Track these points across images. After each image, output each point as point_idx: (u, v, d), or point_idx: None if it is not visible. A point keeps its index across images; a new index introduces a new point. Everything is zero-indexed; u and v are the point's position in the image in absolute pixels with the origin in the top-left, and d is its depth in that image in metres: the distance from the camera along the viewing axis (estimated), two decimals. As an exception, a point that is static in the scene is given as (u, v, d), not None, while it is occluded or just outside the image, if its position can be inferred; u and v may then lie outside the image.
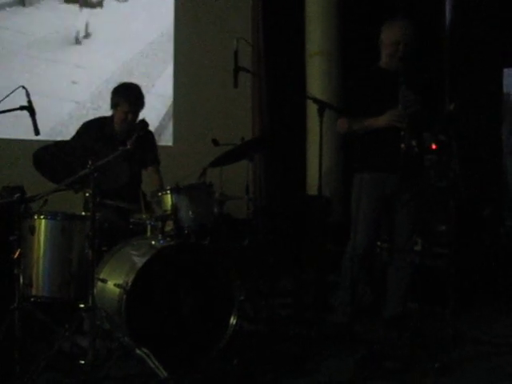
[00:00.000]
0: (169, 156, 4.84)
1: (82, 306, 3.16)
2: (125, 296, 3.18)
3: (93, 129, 4.18)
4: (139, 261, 3.28)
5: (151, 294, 3.28)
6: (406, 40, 3.94)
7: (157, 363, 3.06)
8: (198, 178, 4.07)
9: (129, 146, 3.34)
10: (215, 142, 4.79)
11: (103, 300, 3.30)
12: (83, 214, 3.53)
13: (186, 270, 3.40)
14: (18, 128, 5.60)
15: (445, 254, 5.10)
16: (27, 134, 3.33)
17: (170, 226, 3.63)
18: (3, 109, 3.37)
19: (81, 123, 4.34)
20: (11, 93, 3.30)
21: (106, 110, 4.75)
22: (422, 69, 4.21)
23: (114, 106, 4.19)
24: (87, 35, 6.38)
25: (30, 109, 3.26)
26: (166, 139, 6.61)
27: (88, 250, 3.17)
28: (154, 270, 3.29)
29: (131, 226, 3.77)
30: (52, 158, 3.39)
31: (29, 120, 3.26)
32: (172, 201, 3.65)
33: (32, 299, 3.35)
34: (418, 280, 4.22)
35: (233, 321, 3.46)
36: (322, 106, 3.68)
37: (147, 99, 4.30)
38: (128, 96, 4.12)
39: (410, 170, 3.92)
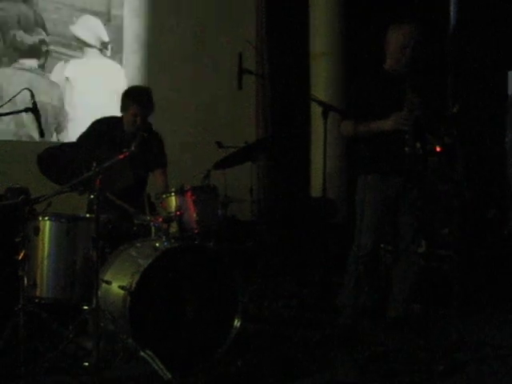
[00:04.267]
0: (173, 158, 4.82)
1: (86, 307, 3.18)
2: (129, 298, 3.18)
3: (102, 128, 4.18)
4: (143, 263, 3.28)
5: (155, 296, 3.28)
6: (413, 44, 3.94)
7: (161, 365, 3.07)
8: (202, 180, 4.08)
9: (132, 149, 3.35)
10: (219, 144, 4.80)
11: (107, 302, 3.30)
12: (87, 215, 3.55)
13: (190, 272, 3.40)
14: (23, 129, 5.63)
15: (449, 255, 5.09)
16: (32, 135, 3.34)
17: (174, 228, 3.63)
18: (9, 110, 3.40)
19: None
20: (16, 95, 3.32)
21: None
22: (426, 71, 4.21)
23: (123, 108, 4.17)
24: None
25: (34, 111, 3.28)
26: (169, 141, 6.62)
27: (92, 251, 3.18)
28: (158, 271, 3.29)
29: (135, 228, 3.77)
30: (56, 159, 3.40)
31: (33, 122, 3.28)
32: (176, 203, 3.66)
33: (36, 300, 3.36)
34: (422, 282, 4.21)
35: (237, 323, 3.46)
36: (326, 108, 3.68)
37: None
38: (138, 99, 4.11)
39: (415, 172, 3.93)
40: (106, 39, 6.02)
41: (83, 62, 5.94)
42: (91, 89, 5.91)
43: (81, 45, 5.91)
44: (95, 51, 5.97)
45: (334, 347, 3.67)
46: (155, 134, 4.32)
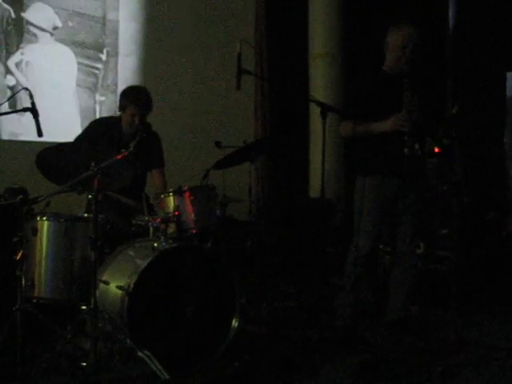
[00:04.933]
0: (171, 158, 4.83)
1: (83, 307, 3.17)
2: (127, 298, 3.18)
3: (100, 129, 4.17)
4: (141, 263, 3.28)
5: (153, 296, 3.27)
6: (412, 45, 3.93)
7: (158, 365, 3.07)
8: (201, 180, 4.07)
9: (131, 149, 3.35)
10: (218, 145, 4.79)
11: (105, 302, 3.29)
12: (86, 215, 3.54)
13: (187, 273, 3.39)
14: (21, 129, 5.62)
15: (447, 257, 5.09)
16: (31, 135, 3.33)
17: (172, 228, 3.63)
18: (7, 110, 3.40)
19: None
20: (14, 94, 3.31)
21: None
22: (425, 72, 4.20)
23: (121, 108, 4.17)
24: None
25: (33, 110, 3.27)
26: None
27: (90, 251, 3.18)
28: (156, 272, 3.29)
29: (133, 228, 3.77)
30: (55, 159, 3.39)
31: (32, 121, 3.28)
32: (174, 203, 3.65)
33: (34, 301, 3.35)
34: (420, 283, 4.21)
35: (235, 323, 3.46)
36: (325, 109, 3.68)
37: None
38: (136, 99, 4.11)
39: (413, 173, 3.92)
40: (59, 24, 6.09)
41: (37, 46, 6.03)
42: (45, 73, 5.98)
43: (34, 30, 5.97)
44: (47, 36, 6.04)
45: (332, 348, 3.67)
46: (154, 134, 4.32)
